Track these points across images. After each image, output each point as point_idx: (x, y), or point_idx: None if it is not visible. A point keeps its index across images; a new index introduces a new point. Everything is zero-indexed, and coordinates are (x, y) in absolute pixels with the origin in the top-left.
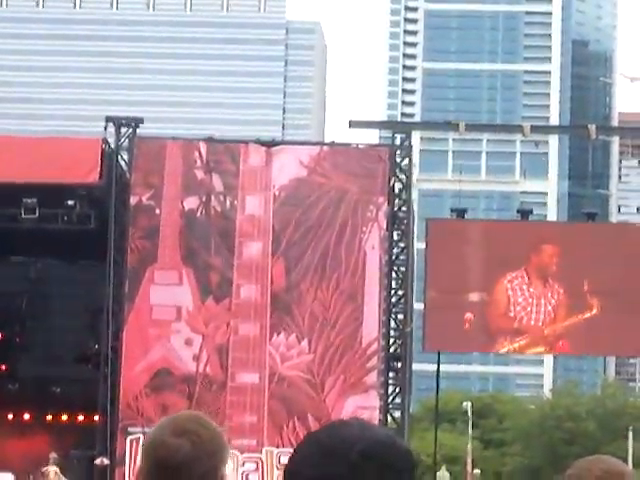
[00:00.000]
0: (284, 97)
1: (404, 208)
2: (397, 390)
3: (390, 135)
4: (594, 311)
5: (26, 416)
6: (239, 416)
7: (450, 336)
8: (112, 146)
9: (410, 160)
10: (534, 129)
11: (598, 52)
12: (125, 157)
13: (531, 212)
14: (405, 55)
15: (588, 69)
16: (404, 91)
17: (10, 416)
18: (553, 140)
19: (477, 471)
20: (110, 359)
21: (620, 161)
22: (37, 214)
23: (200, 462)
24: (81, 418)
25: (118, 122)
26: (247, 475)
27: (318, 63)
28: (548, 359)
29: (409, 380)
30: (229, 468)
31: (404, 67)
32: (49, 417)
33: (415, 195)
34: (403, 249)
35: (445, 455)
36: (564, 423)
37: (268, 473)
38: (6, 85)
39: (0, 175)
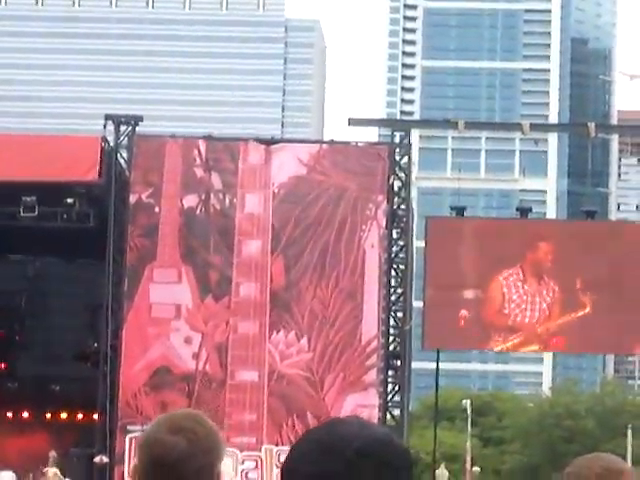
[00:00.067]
0: (283, 95)
1: (403, 206)
2: (396, 388)
3: (389, 133)
4: (587, 309)
5: (25, 414)
6: (238, 414)
7: (449, 334)
8: (111, 144)
9: (409, 158)
10: (533, 127)
11: (597, 50)
12: (124, 155)
13: (530, 210)
14: (404, 53)
15: (587, 67)
16: (403, 89)
17: (9, 414)
18: (552, 138)
19: (476, 469)
20: (109, 357)
21: (619, 159)
22: (36, 212)
23: (196, 459)
24: (80, 416)
25: (117, 120)
26: (247, 473)
27: (317, 61)
28: (547, 357)
29: (408, 378)
30: (228, 466)
31: (403, 65)
32: (48, 415)
33: (414, 193)
34: (402, 247)
35: (444, 453)
36: (563, 421)
37: (267, 471)
38: (6, 83)
39: None
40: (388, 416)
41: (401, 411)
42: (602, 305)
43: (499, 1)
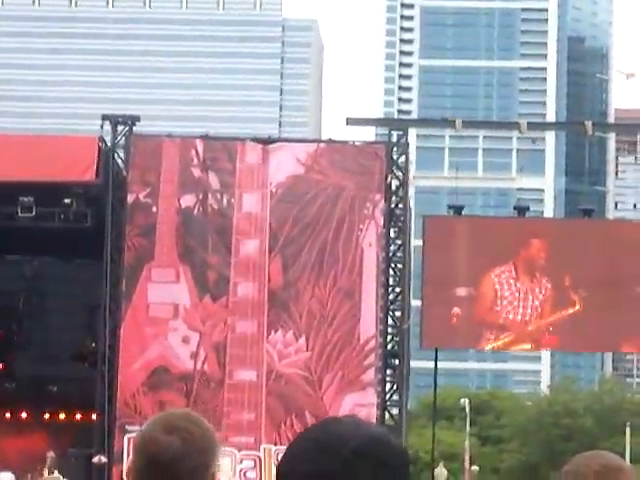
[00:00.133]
0: (281, 94)
1: (401, 205)
2: (395, 387)
3: (387, 132)
4: (578, 307)
5: (23, 415)
6: (237, 414)
7: (446, 332)
8: (109, 144)
9: (407, 157)
10: (531, 126)
11: (594, 48)
12: (122, 155)
13: (528, 209)
14: (402, 52)
15: (584, 66)
16: (400, 88)
17: (7, 415)
18: (550, 137)
19: (475, 468)
20: (107, 357)
21: (617, 157)
22: (34, 212)
23: (190, 459)
24: (78, 416)
25: (115, 120)
26: (245, 472)
27: (315, 60)
28: (545, 355)
29: (407, 377)
30: (226, 465)
31: (400, 64)
32: (46, 416)
33: (412, 192)
34: (400, 246)
35: (443, 452)
36: (561, 419)
37: (266, 470)
38: (4, 83)
39: None
40: (386, 415)
41: (399, 410)
42: (594, 303)
43: (496, 0)
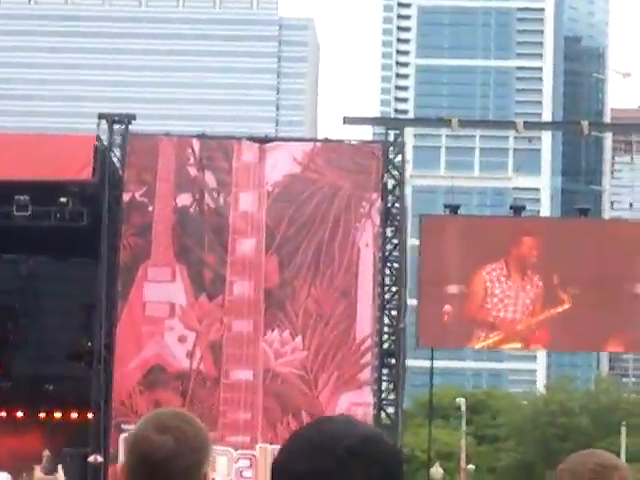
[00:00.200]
0: (277, 93)
1: (397, 204)
2: (391, 386)
3: (383, 131)
4: (566, 305)
5: (19, 414)
6: (233, 413)
7: (440, 331)
8: (105, 143)
9: (403, 156)
10: (527, 125)
11: (591, 48)
12: (118, 154)
13: (524, 208)
14: (398, 51)
15: (581, 65)
16: (397, 87)
17: (3, 414)
18: (546, 136)
19: (471, 467)
20: (103, 356)
21: (613, 157)
22: (30, 211)
23: (183, 458)
24: (74, 416)
25: (111, 119)
26: (241, 471)
27: (311, 60)
28: (541, 355)
29: (403, 376)
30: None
31: (397, 63)
32: (42, 415)
33: (408, 191)
34: (396, 245)
35: (439, 451)
36: (557, 418)
37: (262, 469)
38: (3, 82)
39: None
40: (383, 414)
41: (395, 409)
42: (585, 302)
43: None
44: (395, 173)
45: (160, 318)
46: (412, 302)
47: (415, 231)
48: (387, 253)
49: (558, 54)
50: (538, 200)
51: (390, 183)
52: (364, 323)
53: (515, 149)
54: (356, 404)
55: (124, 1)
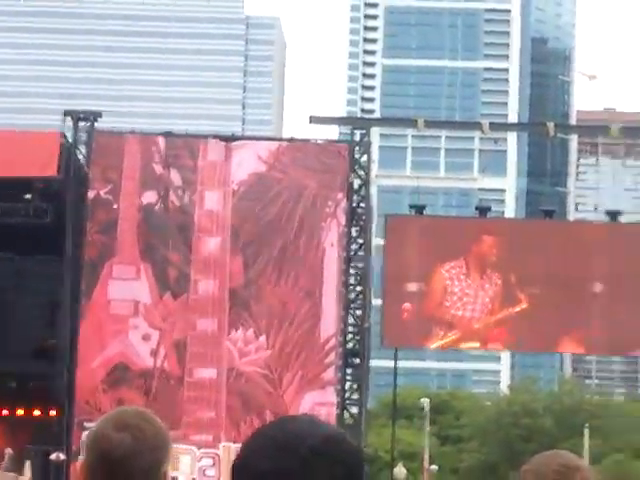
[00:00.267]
0: (244, 92)
1: (363, 204)
2: (355, 386)
3: (349, 131)
4: (523, 305)
5: None
6: (197, 411)
7: (402, 330)
8: (70, 140)
9: (369, 156)
10: (493, 126)
11: (557, 50)
12: (83, 151)
13: (489, 209)
14: (365, 51)
15: (547, 67)
16: (364, 87)
17: None
18: (512, 137)
19: (434, 467)
20: (67, 354)
21: (578, 159)
22: None
23: (142, 456)
24: (37, 413)
25: (76, 116)
26: (204, 470)
27: (278, 58)
28: (505, 355)
29: (367, 376)
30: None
31: (364, 63)
32: (5, 412)
33: (374, 191)
34: (361, 245)
35: (402, 451)
36: (521, 419)
37: (225, 468)
38: None
39: None
40: (346, 414)
41: (359, 409)
42: (543, 302)
43: (460, 0)
44: (361, 173)
45: (124, 316)
46: (377, 302)
47: (380, 231)
48: (352, 253)
49: (525, 55)
50: (503, 201)
51: (356, 183)
52: (328, 323)
53: (481, 150)
54: (320, 404)
55: None
